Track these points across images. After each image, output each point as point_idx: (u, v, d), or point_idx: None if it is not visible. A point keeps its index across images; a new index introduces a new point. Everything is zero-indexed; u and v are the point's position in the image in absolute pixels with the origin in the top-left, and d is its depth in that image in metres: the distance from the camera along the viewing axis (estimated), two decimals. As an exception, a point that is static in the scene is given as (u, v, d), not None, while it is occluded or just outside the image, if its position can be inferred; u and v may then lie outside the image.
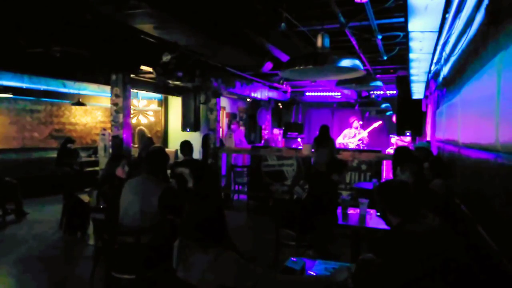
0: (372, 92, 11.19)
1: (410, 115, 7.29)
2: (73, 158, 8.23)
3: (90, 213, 4.25)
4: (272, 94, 10.82)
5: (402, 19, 4.20)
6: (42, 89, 7.99)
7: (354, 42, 5.50)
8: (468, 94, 3.08)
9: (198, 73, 6.92)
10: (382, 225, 2.38)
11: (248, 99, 11.22)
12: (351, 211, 3.89)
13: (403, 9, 2.49)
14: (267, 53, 6.28)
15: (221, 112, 9.56)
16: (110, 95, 6.17)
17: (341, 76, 5.32)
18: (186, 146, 5.17)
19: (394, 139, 11.07)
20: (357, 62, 4.21)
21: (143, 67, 6.13)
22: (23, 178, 6.93)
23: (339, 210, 3.87)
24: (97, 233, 3.58)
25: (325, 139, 6.84)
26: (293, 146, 10.74)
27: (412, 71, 4.74)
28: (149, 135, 8.19)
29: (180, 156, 5.87)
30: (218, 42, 5.39)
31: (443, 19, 2.70)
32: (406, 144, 9.73)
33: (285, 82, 10.40)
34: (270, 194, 7.57)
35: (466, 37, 2.86)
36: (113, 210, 3.27)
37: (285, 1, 4.51)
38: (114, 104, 6.10)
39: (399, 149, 5.12)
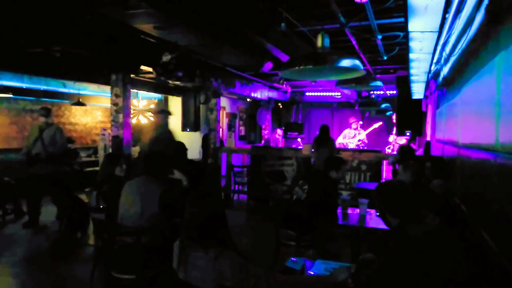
0: (372, 92, 11.19)
1: (410, 115, 7.29)
2: (73, 158, 8.22)
3: (90, 213, 4.26)
4: (272, 94, 10.82)
5: (402, 19, 4.19)
6: (42, 89, 7.97)
7: (354, 42, 5.50)
8: (468, 94, 3.08)
9: (198, 73, 6.91)
10: (382, 225, 2.38)
11: (248, 99, 11.21)
12: (351, 211, 3.89)
13: (403, 9, 2.49)
14: (267, 53, 6.28)
15: (221, 112, 9.55)
16: (110, 95, 6.17)
17: (341, 76, 5.32)
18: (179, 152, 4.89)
19: (392, 137, 11.08)
20: (357, 62, 4.21)
21: (143, 67, 6.13)
22: (23, 178, 6.91)
23: (339, 210, 3.87)
24: (97, 233, 3.58)
25: (325, 139, 6.84)
26: (293, 146, 10.74)
27: (412, 71, 4.73)
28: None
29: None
30: (218, 42, 5.39)
31: (443, 19, 2.70)
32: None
33: (285, 82, 10.39)
34: (270, 194, 7.56)
35: (466, 37, 2.86)
36: (113, 210, 3.28)
37: (285, 1, 4.51)
38: (114, 104, 6.09)
39: (403, 148, 5.11)
